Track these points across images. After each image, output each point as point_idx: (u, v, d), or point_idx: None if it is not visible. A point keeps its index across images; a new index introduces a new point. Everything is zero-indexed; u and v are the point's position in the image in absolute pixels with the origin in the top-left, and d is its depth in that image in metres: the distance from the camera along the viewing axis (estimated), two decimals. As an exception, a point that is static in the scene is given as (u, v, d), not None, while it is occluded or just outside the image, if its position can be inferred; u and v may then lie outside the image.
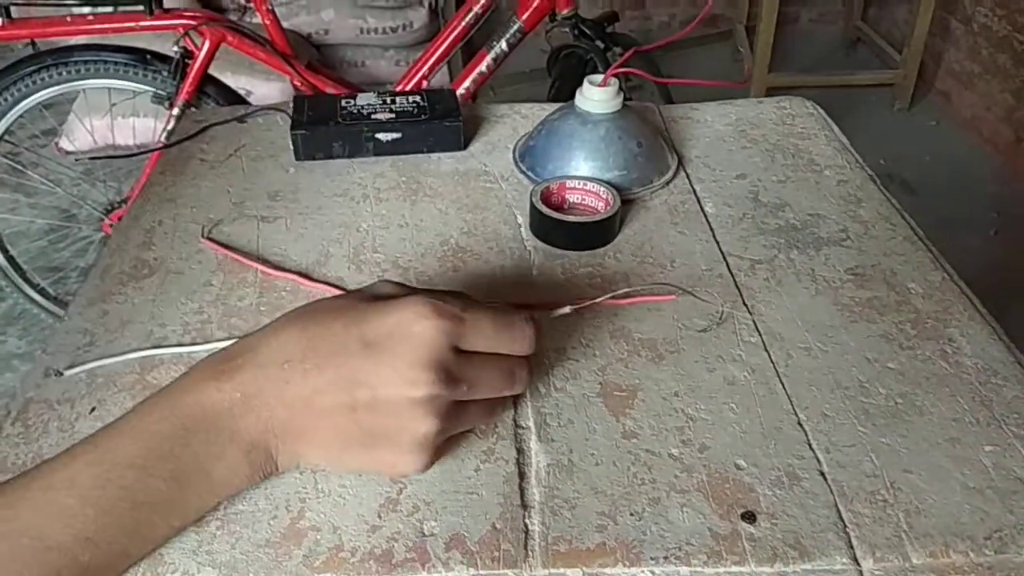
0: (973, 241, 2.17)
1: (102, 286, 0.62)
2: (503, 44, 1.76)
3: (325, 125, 0.78)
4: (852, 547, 0.43)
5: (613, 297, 0.58)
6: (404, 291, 0.45)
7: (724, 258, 0.65)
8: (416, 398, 0.41)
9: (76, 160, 2.26)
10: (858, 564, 0.43)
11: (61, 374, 0.53)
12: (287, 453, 0.43)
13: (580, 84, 0.74)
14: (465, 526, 0.44)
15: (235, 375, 0.41)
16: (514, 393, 0.48)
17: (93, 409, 0.51)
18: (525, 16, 1.72)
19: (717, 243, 0.67)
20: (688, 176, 0.77)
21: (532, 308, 0.52)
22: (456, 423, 0.44)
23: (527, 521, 0.44)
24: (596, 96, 0.72)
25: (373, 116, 0.79)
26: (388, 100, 0.82)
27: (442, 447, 0.45)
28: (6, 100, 1.67)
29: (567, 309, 0.53)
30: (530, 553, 0.43)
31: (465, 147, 0.80)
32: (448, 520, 0.44)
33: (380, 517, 0.44)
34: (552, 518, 0.45)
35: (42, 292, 1.93)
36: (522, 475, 0.47)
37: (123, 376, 0.54)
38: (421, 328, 0.41)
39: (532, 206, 0.67)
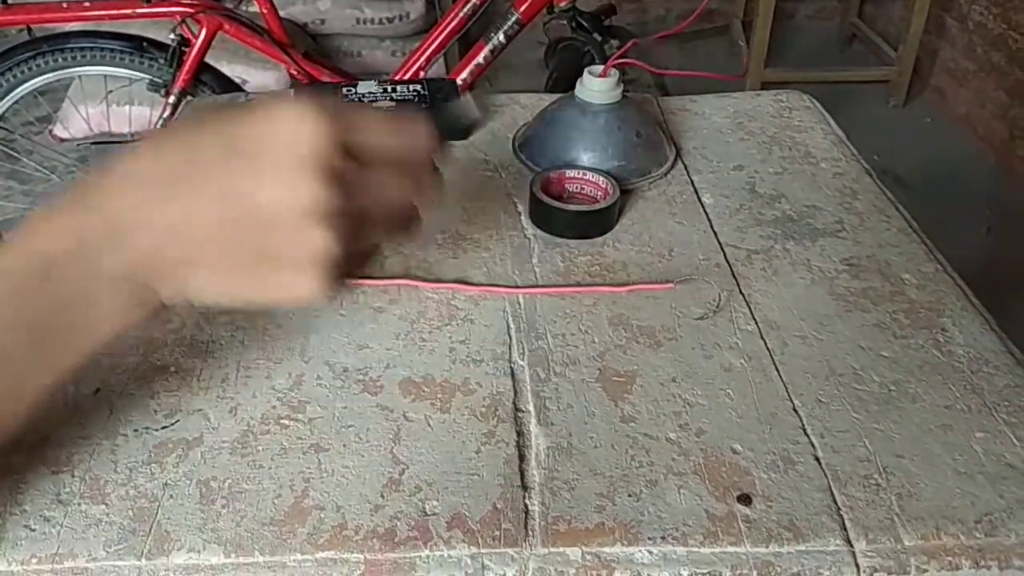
0: (966, 238, 2.18)
1: (105, 269, 0.62)
2: (501, 36, 1.76)
3: (326, 112, 0.78)
4: (845, 529, 0.44)
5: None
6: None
7: (721, 248, 0.66)
8: (304, 206, 0.35)
9: (78, 145, 2.25)
10: (851, 546, 0.43)
11: None
12: (169, 284, 0.38)
13: (577, 77, 0.75)
14: (466, 506, 0.45)
15: (91, 204, 0.36)
16: (425, 202, 0.41)
17: (97, 390, 0.52)
18: (523, 8, 1.73)
19: (714, 233, 0.68)
20: (686, 167, 0.77)
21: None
22: (357, 237, 0.38)
23: (527, 501, 0.45)
24: (596, 87, 0.73)
25: (374, 104, 0.79)
26: (389, 88, 0.82)
27: (349, 269, 0.38)
28: (1, 86, 1.67)
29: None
30: (530, 532, 0.44)
31: (465, 136, 0.81)
32: (449, 500, 0.45)
33: (383, 497, 0.45)
34: (552, 498, 0.45)
35: (36, 279, 1.92)
36: (522, 457, 0.48)
37: (124, 357, 0.54)
38: (301, 126, 0.35)
39: (532, 194, 0.68)
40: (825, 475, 0.47)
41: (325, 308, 0.59)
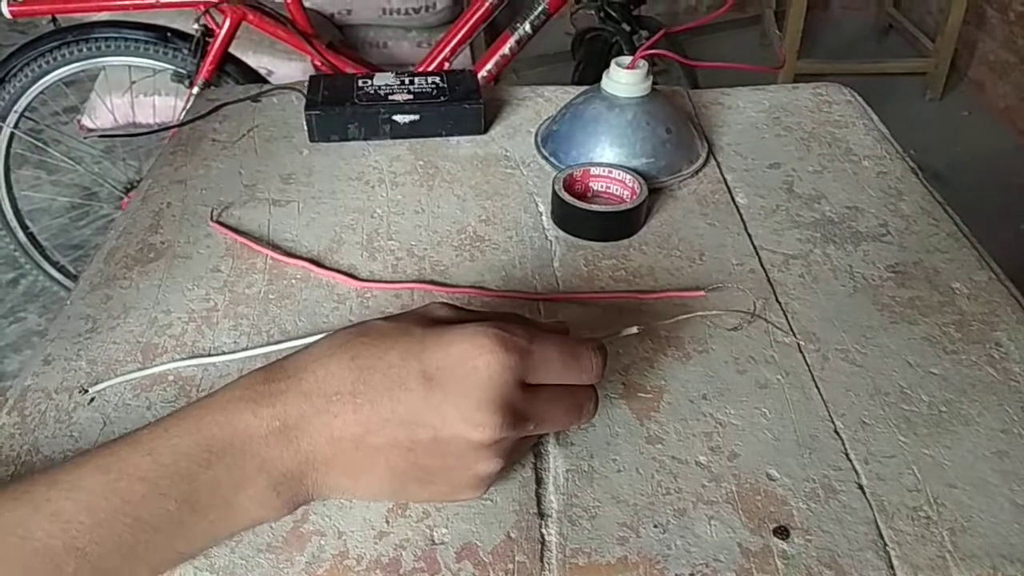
0: (1006, 235, 2.11)
1: (106, 270, 0.60)
2: (527, 26, 1.72)
3: (341, 106, 0.75)
4: (892, 567, 0.40)
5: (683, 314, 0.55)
6: (460, 315, 0.42)
7: (756, 252, 0.62)
8: (482, 441, 0.37)
9: (100, 137, 2.25)
10: (899, 586, 0.40)
11: (86, 391, 0.50)
12: (326, 486, 0.39)
13: (605, 68, 0.71)
14: (478, 534, 0.41)
15: (276, 401, 0.38)
16: (581, 424, 0.44)
17: (92, 399, 0.49)
18: (550, -3, 1.68)
19: (749, 236, 0.64)
20: (719, 165, 0.73)
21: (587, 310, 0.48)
22: (517, 455, 0.42)
23: (543, 531, 0.42)
24: (624, 79, 0.69)
25: (390, 97, 0.76)
26: (406, 81, 0.79)
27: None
28: (27, 76, 1.66)
29: (634, 329, 0.47)
30: (546, 565, 0.40)
31: (485, 131, 0.77)
32: (460, 528, 0.42)
33: (388, 523, 0.42)
34: (570, 528, 0.42)
35: (62, 270, 1.92)
36: (539, 481, 0.44)
37: (123, 364, 0.52)
38: (487, 363, 0.37)
39: (554, 194, 0.64)
40: (870, 506, 0.43)
41: (333, 314, 0.56)
